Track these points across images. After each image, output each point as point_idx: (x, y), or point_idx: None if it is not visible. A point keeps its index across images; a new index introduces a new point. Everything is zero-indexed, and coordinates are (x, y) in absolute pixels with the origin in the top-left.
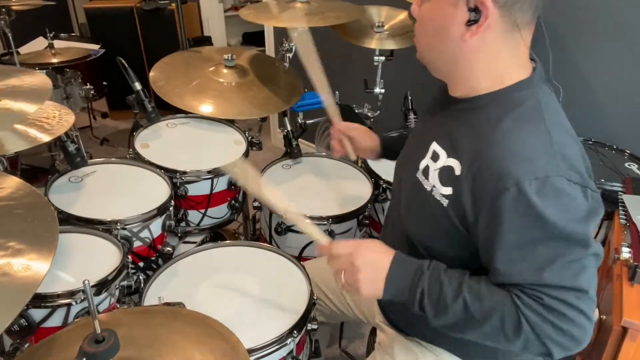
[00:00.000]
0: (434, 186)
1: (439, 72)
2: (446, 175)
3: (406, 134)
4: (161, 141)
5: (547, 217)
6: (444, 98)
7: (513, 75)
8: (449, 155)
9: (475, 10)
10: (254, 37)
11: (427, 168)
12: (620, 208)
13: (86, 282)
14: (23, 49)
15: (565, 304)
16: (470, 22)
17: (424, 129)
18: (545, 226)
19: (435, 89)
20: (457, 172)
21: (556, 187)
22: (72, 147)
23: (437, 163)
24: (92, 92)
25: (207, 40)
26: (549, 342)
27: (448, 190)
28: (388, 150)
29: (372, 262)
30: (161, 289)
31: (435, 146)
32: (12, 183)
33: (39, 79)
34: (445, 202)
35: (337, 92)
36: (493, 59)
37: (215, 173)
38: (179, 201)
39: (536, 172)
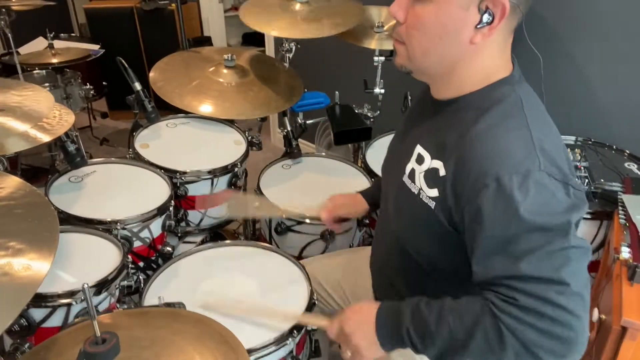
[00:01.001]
0: (420, 189)
1: (429, 77)
2: (431, 177)
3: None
4: (161, 141)
5: (524, 213)
6: (427, 100)
7: (497, 73)
8: (433, 157)
9: (487, 11)
10: (254, 37)
11: (412, 171)
12: (620, 208)
13: (85, 285)
14: (23, 49)
15: (543, 301)
16: (481, 25)
17: (407, 133)
18: (523, 222)
19: (419, 91)
20: (442, 172)
21: (538, 182)
22: (72, 147)
23: (422, 166)
24: (92, 92)
25: (207, 41)
26: (537, 349)
27: (434, 192)
28: (376, 204)
29: (359, 323)
30: (161, 289)
31: (419, 149)
32: (12, 183)
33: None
34: (432, 204)
35: (337, 92)
36: (488, 60)
37: (215, 173)
38: (179, 201)
39: (517, 167)
